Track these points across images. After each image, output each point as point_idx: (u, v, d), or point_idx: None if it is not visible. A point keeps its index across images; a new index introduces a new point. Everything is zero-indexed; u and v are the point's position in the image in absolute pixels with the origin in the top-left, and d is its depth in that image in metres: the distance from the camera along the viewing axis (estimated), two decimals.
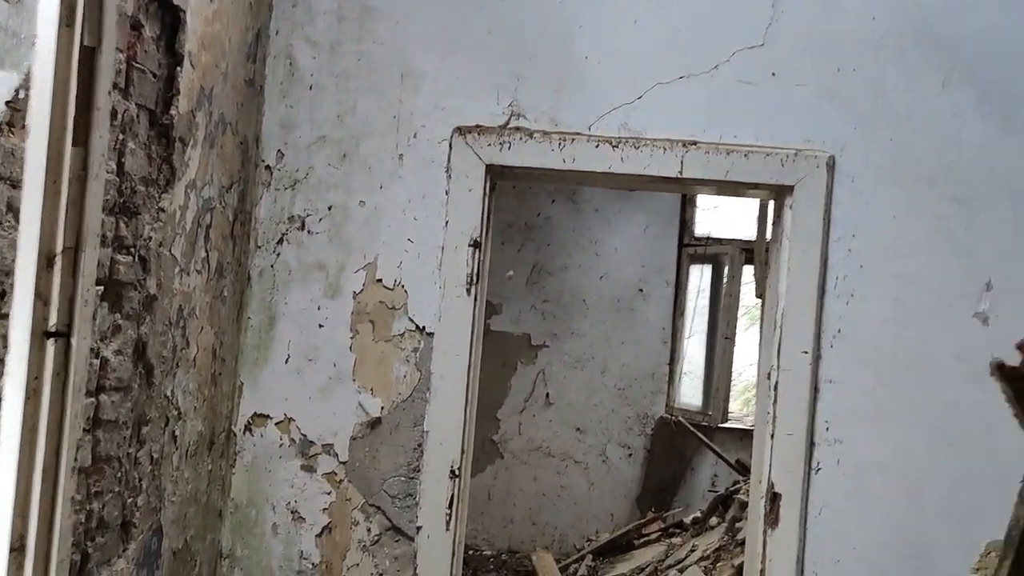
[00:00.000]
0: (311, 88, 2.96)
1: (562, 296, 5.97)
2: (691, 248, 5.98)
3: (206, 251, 2.61)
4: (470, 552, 5.12)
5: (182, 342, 2.49)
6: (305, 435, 2.92)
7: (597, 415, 5.89)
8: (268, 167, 2.96)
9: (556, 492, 5.87)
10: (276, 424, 2.93)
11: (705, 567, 3.88)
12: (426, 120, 2.93)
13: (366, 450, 2.92)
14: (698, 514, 4.71)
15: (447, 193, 2.91)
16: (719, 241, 5.87)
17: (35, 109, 1.25)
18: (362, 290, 2.93)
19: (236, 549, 2.93)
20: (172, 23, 2.23)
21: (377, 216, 2.94)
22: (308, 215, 2.96)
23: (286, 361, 2.94)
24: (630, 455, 5.86)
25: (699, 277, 5.97)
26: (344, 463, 2.92)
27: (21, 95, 1.32)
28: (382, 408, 2.92)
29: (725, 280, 5.78)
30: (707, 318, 5.90)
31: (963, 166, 2.78)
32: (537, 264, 6.01)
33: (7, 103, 1.40)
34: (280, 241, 2.95)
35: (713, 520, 4.39)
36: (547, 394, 5.94)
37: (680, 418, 5.70)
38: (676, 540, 4.48)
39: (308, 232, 2.95)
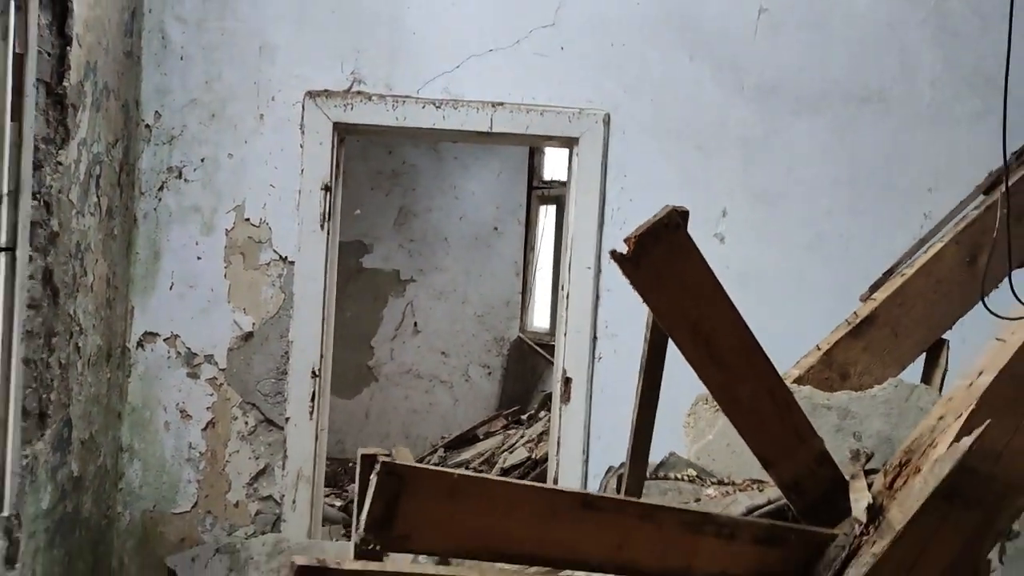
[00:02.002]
0: (182, 59, 3.52)
1: (426, 235, 6.65)
2: (539, 191, 6.75)
3: (97, 197, 3.17)
4: (350, 464, 5.81)
5: (80, 271, 3.06)
6: (189, 348, 3.55)
7: (459, 340, 6.65)
8: (148, 126, 3.52)
9: (426, 409, 6.63)
10: (164, 340, 3.55)
11: (529, 447, 4.73)
12: (282, 86, 3.54)
13: (241, 359, 3.57)
14: (533, 411, 5.57)
15: (302, 147, 3.55)
16: (563, 184, 6.64)
17: None
18: (233, 227, 3.55)
19: (134, 443, 3.55)
20: (62, 11, 2.77)
21: (243, 166, 3.55)
22: (184, 166, 3.54)
23: (170, 288, 3.54)
24: (489, 373, 6.67)
25: (546, 216, 6.76)
26: (224, 370, 3.56)
27: None
28: (253, 324, 3.57)
29: (567, 199, 6.56)
30: (553, 252, 6.71)
31: (703, 121, 3.60)
32: (403, 207, 6.67)
33: None
34: (161, 188, 3.53)
35: (542, 414, 5.25)
36: (415, 323, 6.65)
37: (529, 340, 6.53)
38: (513, 432, 5.32)
39: (185, 180, 3.54)
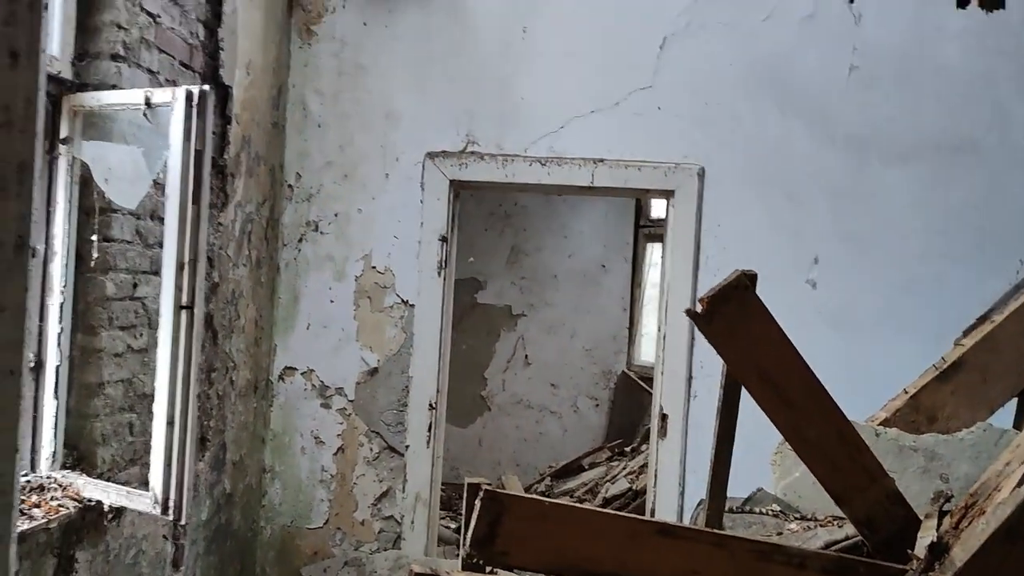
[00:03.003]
0: (320, 127, 4.00)
1: (537, 273, 7.00)
2: (646, 229, 6.99)
3: (248, 250, 3.66)
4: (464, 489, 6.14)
5: (235, 315, 3.55)
6: (323, 381, 3.99)
7: (568, 372, 6.95)
8: (290, 186, 4.01)
9: (535, 438, 6.95)
10: (301, 374, 4.01)
11: (631, 479, 4.94)
12: (405, 148, 3.96)
13: (368, 392, 3.98)
14: (636, 443, 5.78)
15: (421, 202, 3.95)
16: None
17: (170, 182, 2.29)
18: (361, 274, 3.99)
19: (276, 466, 4.01)
20: (223, 96, 3.28)
21: (371, 219, 3.98)
22: (320, 220, 4.00)
23: (307, 328, 4.00)
24: (597, 405, 6.93)
25: (652, 253, 6.99)
26: (352, 401, 3.99)
27: (161, 176, 2.37)
28: (378, 361, 3.98)
29: (664, 246, 6.77)
30: (659, 288, 6.92)
31: (794, 173, 3.80)
32: (515, 246, 7.04)
33: (154, 181, 2.46)
34: (300, 240, 4.01)
35: (644, 447, 5.45)
36: (526, 356, 6.99)
37: (635, 374, 6.75)
38: (616, 463, 5.54)
39: (320, 233, 4.00)
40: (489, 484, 1.99)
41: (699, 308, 2.09)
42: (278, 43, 3.86)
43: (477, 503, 1.93)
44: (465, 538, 1.97)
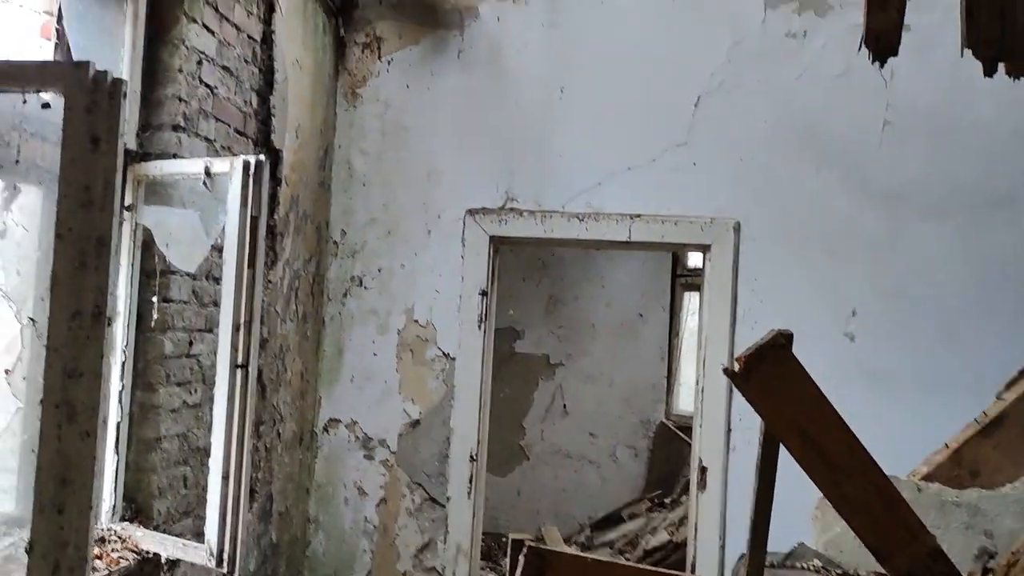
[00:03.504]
0: (364, 185, 4.14)
1: (574, 322, 7.06)
2: (683, 278, 7.04)
3: (295, 305, 3.79)
4: (503, 539, 6.19)
5: (282, 369, 3.66)
6: (366, 433, 4.08)
7: (607, 421, 6.96)
8: (335, 243, 4.14)
9: (574, 487, 6.94)
10: (345, 426, 4.09)
11: (671, 531, 4.92)
12: (446, 205, 4.08)
13: (410, 443, 4.06)
14: (675, 495, 5.75)
15: (462, 257, 4.06)
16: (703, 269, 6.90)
17: (228, 247, 2.41)
18: (404, 328, 4.09)
19: (320, 516, 4.08)
20: (274, 160, 3.42)
21: (413, 274, 4.09)
22: (364, 275, 4.12)
23: (351, 380, 4.10)
24: (636, 455, 6.92)
25: (689, 302, 7.02)
26: (394, 453, 4.06)
27: (219, 240, 2.50)
28: (420, 413, 4.06)
29: (701, 300, 6.80)
30: (697, 337, 6.94)
31: (831, 227, 3.84)
32: (553, 295, 7.12)
33: (213, 246, 2.59)
34: (345, 295, 4.13)
35: (684, 499, 5.42)
36: (564, 405, 7.02)
37: (672, 424, 6.74)
38: (656, 515, 5.52)
39: (364, 288, 4.12)
40: (532, 540, 2.05)
41: (736, 366, 2.15)
42: (325, 106, 4.03)
43: (521, 559, 1.99)
44: None
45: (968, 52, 2.17)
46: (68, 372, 1.57)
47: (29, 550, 1.56)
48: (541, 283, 7.08)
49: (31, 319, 1.69)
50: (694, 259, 7.07)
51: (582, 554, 2.06)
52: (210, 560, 2.33)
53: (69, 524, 1.57)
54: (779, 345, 2.20)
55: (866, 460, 2.12)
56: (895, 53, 2.72)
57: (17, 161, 1.70)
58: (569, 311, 7.07)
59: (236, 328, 2.40)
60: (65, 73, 1.61)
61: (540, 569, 1.98)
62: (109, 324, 1.60)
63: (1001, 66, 2.20)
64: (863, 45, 2.71)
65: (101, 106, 1.61)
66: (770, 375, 2.17)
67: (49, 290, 1.59)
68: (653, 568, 2.22)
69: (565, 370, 7.05)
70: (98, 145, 1.61)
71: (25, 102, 1.60)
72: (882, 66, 2.60)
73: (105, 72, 1.62)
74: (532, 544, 2.01)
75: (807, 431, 2.20)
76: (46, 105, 1.60)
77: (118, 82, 1.63)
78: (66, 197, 1.60)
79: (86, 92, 1.60)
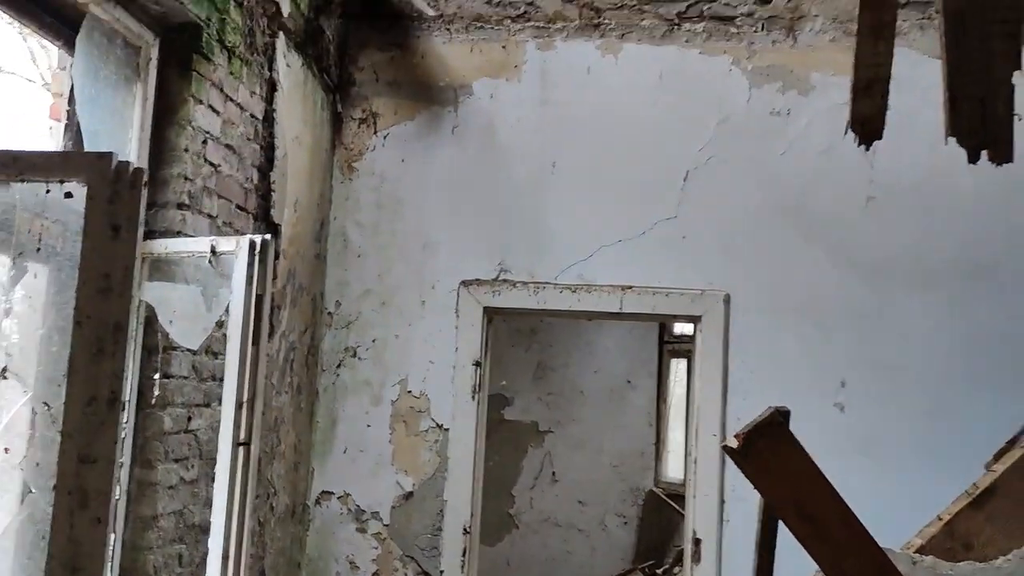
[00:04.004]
0: (359, 256, 4.19)
1: (563, 388, 7.07)
2: (670, 345, 7.09)
3: (291, 377, 3.79)
4: None
5: (276, 441, 3.65)
6: (359, 505, 4.05)
7: (596, 489, 6.92)
8: (330, 313, 4.17)
9: (564, 557, 6.87)
10: (338, 498, 4.06)
11: None
12: (441, 276, 4.13)
13: (403, 516, 4.03)
14: (668, 565, 5.71)
15: (456, 328, 4.09)
16: (692, 339, 6.97)
17: (232, 322, 2.44)
18: (397, 399, 4.09)
19: None
20: (273, 235, 3.47)
21: (407, 345, 4.12)
22: (358, 346, 4.14)
23: (344, 452, 4.08)
24: (625, 523, 6.87)
25: (677, 369, 7.06)
26: (387, 526, 4.03)
27: (223, 318, 2.53)
28: (413, 485, 4.04)
29: (692, 370, 6.85)
30: (684, 403, 6.97)
31: (819, 300, 3.92)
32: (542, 362, 7.15)
33: (216, 322, 2.62)
34: (339, 365, 4.14)
35: (677, 569, 5.39)
36: (553, 472, 6.99)
37: (662, 491, 6.72)
38: None
39: (358, 358, 4.13)
40: None
41: (734, 443, 2.18)
42: (322, 179, 4.10)
43: None
44: None
45: (952, 140, 2.26)
46: (82, 458, 1.59)
47: None
48: (530, 349, 7.11)
49: (45, 404, 1.70)
50: (680, 326, 7.13)
51: None
52: None
53: None
54: (776, 422, 2.24)
55: (863, 536, 2.14)
56: (880, 137, 2.85)
57: (39, 249, 1.74)
58: (558, 378, 7.09)
59: (239, 406, 2.41)
60: (89, 164, 1.66)
61: None
62: (123, 409, 1.62)
63: (984, 153, 2.29)
64: (849, 130, 2.84)
65: (122, 196, 1.66)
66: (768, 452, 2.20)
67: (66, 376, 1.61)
68: None
69: (554, 437, 7.04)
70: (118, 233, 1.65)
71: (48, 191, 1.64)
72: (868, 148, 2.72)
73: (127, 163, 1.67)
74: None
75: (805, 507, 2.22)
76: (69, 195, 1.64)
77: (139, 172, 1.68)
78: (85, 284, 1.63)
79: (108, 182, 1.65)
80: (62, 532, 1.56)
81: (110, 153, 1.68)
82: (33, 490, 1.73)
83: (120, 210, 1.65)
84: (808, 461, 2.21)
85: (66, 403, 1.60)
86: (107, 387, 1.62)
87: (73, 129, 2.57)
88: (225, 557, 2.34)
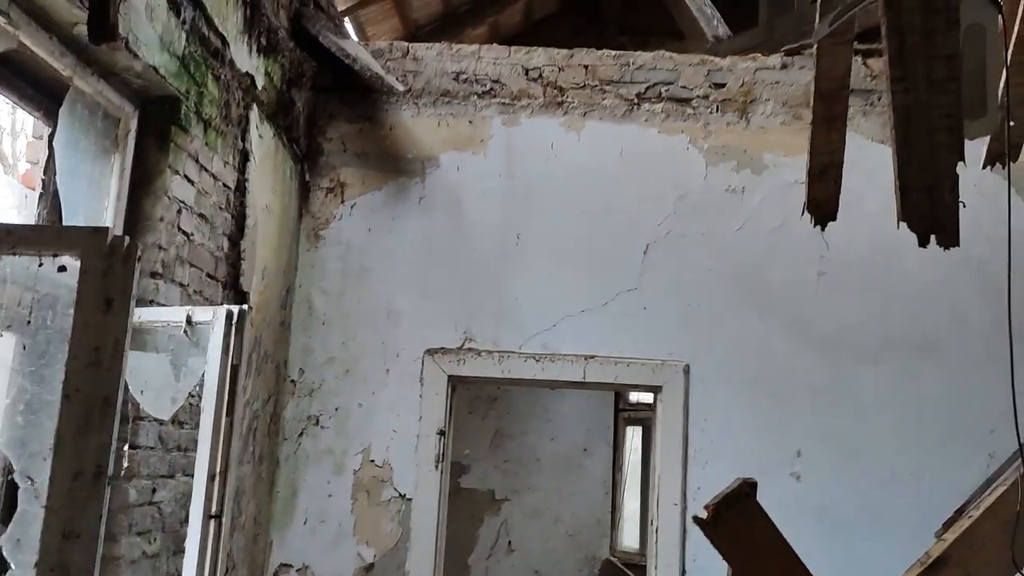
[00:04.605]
0: (323, 324, 4.20)
1: (521, 456, 7.07)
2: (625, 413, 7.16)
3: (253, 446, 3.76)
4: None
5: (237, 512, 3.59)
6: None
7: (552, 559, 6.88)
8: (293, 381, 4.15)
9: None
10: (296, 571, 3.99)
11: None
12: (405, 344, 4.16)
13: None
14: None
15: (420, 396, 4.11)
16: (647, 406, 7.05)
17: (207, 394, 2.44)
18: (360, 468, 4.07)
19: None
20: (241, 299, 3.48)
21: (370, 413, 4.11)
22: (321, 414, 4.13)
23: (304, 523, 4.03)
24: None
25: (632, 437, 7.12)
26: None
27: (196, 389, 2.53)
28: (375, 556, 3.99)
29: (653, 439, 6.92)
30: (640, 471, 7.02)
31: (774, 371, 4.04)
32: (499, 429, 7.14)
33: (190, 393, 2.61)
34: (301, 434, 4.11)
35: None
36: (509, 542, 6.94)
37: (618, 560, 6.71)
38: None
39: (321, 427, 4.11)
40: None
41: (703, 514, 2.24)
42: (289, 247, 4.13)
43: None
44: None
45: (903, 225, 2.41)
46: (66, 534, 1.57)
47: None
48: (488, 417, 7.11)
49: (29, 479, 1.69)
50: (636, 394, 7.22)
51: None
52: None
53: None
54: (744, 494, 2.30)
55: None
56: (834, 218, 3.01)
57: (29, 322, 1.74)
58: (515, 445, 7.09)
59: (212, 477, 2.40)
60: (84, 238, 1.68)
61: None
62: (108, 484, 1.62)
63: (932, 237, 2.43)
64: (805, 211, 2.99)
65: (116, 270, 1.68)
66: (736, 522, 2.26)
67: (52, 449, 1.60)
68: None
69: (511, 505, 7.00)
70: (111, 307, 1.67)
71: (41, 265, 1.66)
72: (823, 230, 2.87)
73: (122, 237, 1.70)
74: None
75: None
76: (63, 268, 1.66)
77: (133, 246, 1.71)
78: (75, 358, 1.64)
79: (103, 256, 1.68)
80: None
81: (105, 228, 1.70)
82: (13, 567, 1.70)
83: (114, 284, 1.68)
84: (775, 532, 2.28)
85: (52, 477, 1.59)
86: (93, 461, 1.62)
87: (48, 198, 2.58)
88: None
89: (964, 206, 2.36)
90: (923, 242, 2.40)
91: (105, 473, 1.62)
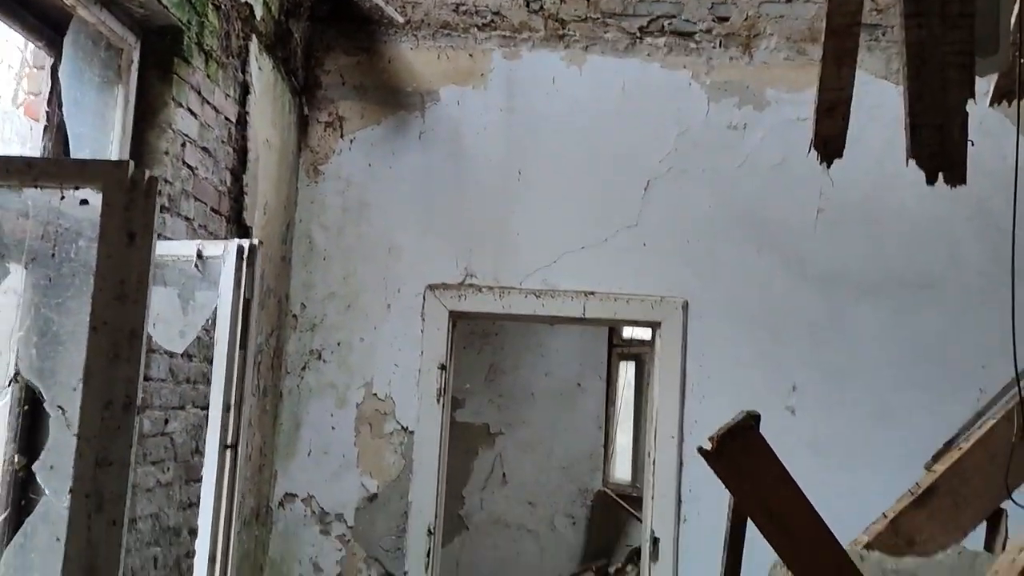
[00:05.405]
0: (324, 259, 4.21)
1: (514, 391, 7.16)
2: (619, 348, 7.24)
3: (257, 379, 3.79)
4: None
5: (244, 445, 3.64)
6: (323, 507, 4.06)
7: (546, 491, 7.03)
8: (295, 316, 4.18)
9: (513, 557, 6.95)
10: (302, 500, 4.08)
11: None
12: (406, 280, 4.18)
13: (367, 517, 4.06)
14: (620, 564, 5.85)
15: (422, 331, 4.14)
16: (641, 342, 7.14)
17: (220, 328, 2.46)
18: (362, 401, 4.12)
19: None
20: (244, 234, 3.47)
21: (372, 348, 4.15)
22: (323, 349, 4.16)
23: (308, 455, 4.10)
24: (574, 523, 6.99)
25: (626, 372, 7.22)
26: (351, 527, 4.05)
27: (210, 321, 2.54)
28: (378, 487, 4.08)
29: (646, 375, 7.03)
30: (632, 405, 7.14)
31: (772, 307, 4.09)
32: (494, 364, 7.22)
33: (203, 326, 2.63)
34: (304, 368, 4.15)
35: (629, 568, 5.53)
36: (503, 474, 7.07)
37: (611, 492, 6.87)
38: None
39: (323, 361, 4.15)
40: None
41: (708, 445, 2.29)
42: (288, 182, 4.11)
43: None
44: None
45: (907, 162, 2.42)
46: (99, 462, 1.61)
47: None
48: (482, 352, 7.18)
49: (61, 408, 1.72)
50: (630, 330, 7.29)
51: None
52: None
53: None
54: (747, 426, 2.36)
55: (826, 533, 2.28)
56: (840, 156, 3.02)
57: (53, 255, 1.75)
58: (509, 380, 7.17)
59: (227, 408, 2.43)
60: (105, 172, 1.68)
61: None
62: (138, 413, 1.64)
63: (940, 175, 2.45)
64: (812, 148, 2.99)
65: (138, 203, 1.68)
66: (739, 453, 2.32)
67: (83, 380, 1.62)
68: None
69: (505, 439, 7.11)
70: (134, 240, 1.68)
71: (63, 198, 1.65)
72: (829, 167, 2.88)
73: (143, 170, 1.70)
74: None
75: (772, 506, 2.34)
76: (84, 201, 1.66)
77: (153, 180, 1.71)
78: (101, 291, 1.65)
79: (124, 190, 1.68)
80: (79, 534, 1.58)
81: (126, 161, 1.70)
82: (47, 492, 1.74)
83: (136, 217, 1.68)
84: (777, 463, 2.34)
85: (82, 407, 1.61)
86: (123, 392, 1.64)
87: (53, 131, 2.56)
88: (212, 559, 2.36)
89: (973, 144, 2.36)
90: (931, 180, 2.41)
91: (134, 403, 1.65)
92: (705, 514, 3.98)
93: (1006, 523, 3.31)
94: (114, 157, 2.67)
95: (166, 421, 2.82)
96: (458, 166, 4.24)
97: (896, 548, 3.46)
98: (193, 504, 2.92)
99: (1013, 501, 2.42)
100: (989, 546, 3.33)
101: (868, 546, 3.49)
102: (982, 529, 3.38)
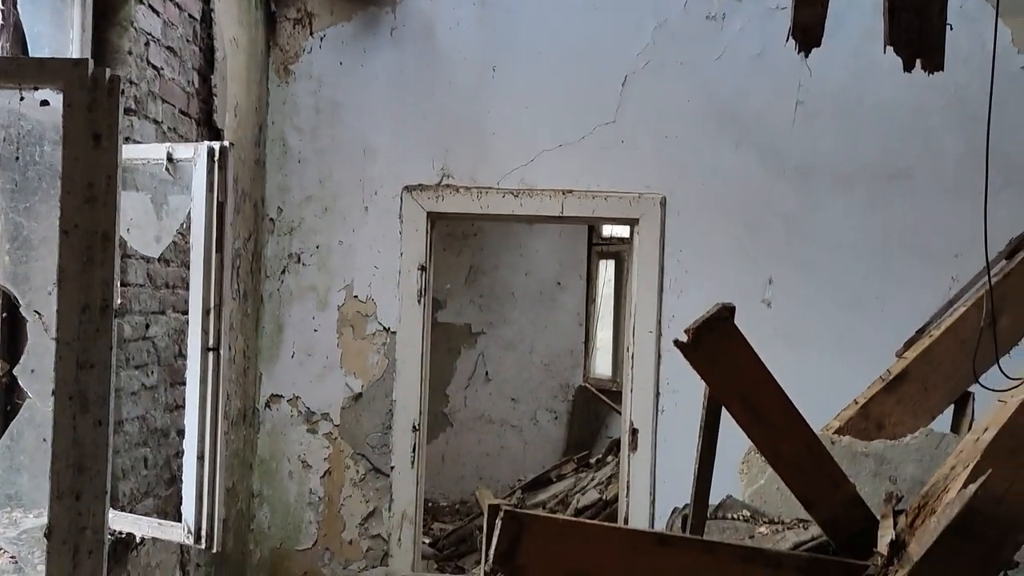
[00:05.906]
0: (299, 162, 4.16)
1: (495, 291, 7.22)
2: (599, 247, 7.28)
3: (237, 284, 3.80)
4: (429, 504, 6.35)
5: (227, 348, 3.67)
6: (308, 407, 4.14)
7: (528, 387, 7.18)
8: (272, 220, 4.15)
9: (497, 452, 7.15)
10: (287, 401, 4.14)
11: (600, 489, 5.20)
12: (383, 182, 4.14)
13: (352, 416, 4.14)
14: (600, 455, 6.04)
15: (400, 233, 4.14)
16: (621, 240, 7.17)
17: (195, 232, 2.44)
18: (343, 303, 4.15)
19: (264, 490, 4.14)
20: (216, 136, 3.41)
21: (351, 251, 4.15)
22: (302, 252, 4.15)
23: (292, 356, 4.14)
24: (556, 418, 7.18)
25: (606, 270, 7.28)
26: (338, 426, 4.14)
27: (184, 226, 2.53)
28: (362, 386, 4.14)
29: (625, 272, 7.08)
30: (612, 303, 7.22)
31: (749, 201, 4.10)
32: (474, 265, 7.25)
33: (178, 231, 2.61)
34: (283, 272, 4.15)
35: (609, 458, 5.72)
36: (486, 372, 7.20)
37: (592, 387, 7.02)
38: (583, 475, 5.80)
39: (303, 264, 4.15)
40: (510, 505, 2.20)
41: (684, 338, 2.34)
42: (258, 83, 4.01)
43: (498, 522, 2.14)
44: (487, 555, 2.17)
45: (885, 51, 2.39)
46: (80, 364, 1.62)
47: (48, 535, 1.61)
48: (462, 253, 7.20)
49: (37, 312, 1.72)
50: (609, 228, 7.32)
51: (556, 516, 2.23)
52: (188, 538, 2.40)
53: (87, 509, 1.62)
54: (723, 317, 2.40)
55: (798, 420, 2.35)
56: (819, 44, 2.97)
57: (17, 158, 1.71)
58: (489, 280, 7.22)
59: (206, 312, 2.44)
60: (64, 70, 1.63)
61: (517, 532, 2.14)
62: (116, 316, 1.65)
63: (918, 62, 2.42)
64: (790, 37, 2.94)
65: (101, 104, 1.64)
66: (715, 345, 2.37)
67: (57, 284, 1.62)
68: (617, 526, 2.42)
69: (487, 338, 7.21)
70: (99, 142, 1.65)
71: (22, 99, 1.61)
72: (807, 56, 2.84)
73: (104, 69, 1.65)
74: (509, 508, 2.16)
75: (747, 395, 2.41)
76: (45, 102, 1.62)
77: (116, 78, 1.67)
78: (70, 194, 1.63)
79: (86, 90, 1.63)
80: (65, 435, 1.61)
81: (85, 59, 1.65)
82: (30, 395, 1.76)
83: (100, 118, 1.64)
84: (752, 354, 2.39)
85: (59, 311, 1.62)
86: (99, 295, 1.64)
87: (10, 30, 2.47)
88: (200, 458, 2.42)
89: (951, 28, 2.33)
90: (908, 67, 2.39)
91: (111, 306, 1.65)
92: (682, 405, 4.08)
93: (972, 406, 3.42)
94: (75, 56, 2.59)
95: (147, 326, 2.83)
96: (431, 64, 4.15)
97: (866, 432, 3.57)
98: (179, 406, 2.96)
99: (980, 384, 2.49)
100: (956, 428, 3.45)
101: (839, 431, 3.60)
102: (949, 412, 3.49)
